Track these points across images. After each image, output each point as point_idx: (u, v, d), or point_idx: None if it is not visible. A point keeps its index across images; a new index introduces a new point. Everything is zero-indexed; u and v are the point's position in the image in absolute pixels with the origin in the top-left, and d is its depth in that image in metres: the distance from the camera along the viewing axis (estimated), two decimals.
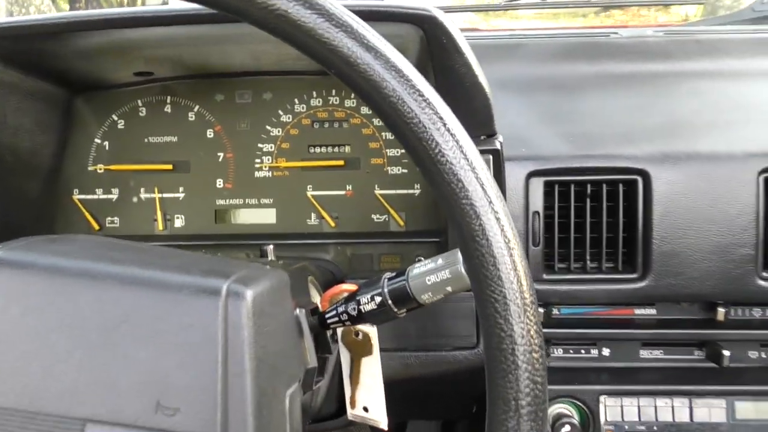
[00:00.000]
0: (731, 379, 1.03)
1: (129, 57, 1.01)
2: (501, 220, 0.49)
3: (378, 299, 0.70)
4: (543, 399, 0.49)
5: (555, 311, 1.07)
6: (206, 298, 0.56)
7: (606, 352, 1.07)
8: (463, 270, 0.66)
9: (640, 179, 1.00)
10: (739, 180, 0.99)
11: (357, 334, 0.85)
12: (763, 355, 1.05)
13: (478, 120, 0.86)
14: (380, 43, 0.50)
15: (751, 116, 1.07)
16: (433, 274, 0.68)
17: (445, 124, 0.50)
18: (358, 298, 0.72)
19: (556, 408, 1.04)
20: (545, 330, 1.05)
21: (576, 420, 1.02)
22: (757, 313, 1.05)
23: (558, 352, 1.07)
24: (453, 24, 0.81)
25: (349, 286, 0.79)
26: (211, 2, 0.52)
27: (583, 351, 1.07)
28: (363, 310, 0.72)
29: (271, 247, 0.87)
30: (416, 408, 1.27)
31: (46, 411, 0.54)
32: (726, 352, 1.01)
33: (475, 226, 0.48)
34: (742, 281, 1.00)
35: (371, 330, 0.84)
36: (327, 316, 0.75)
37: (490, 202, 0.49)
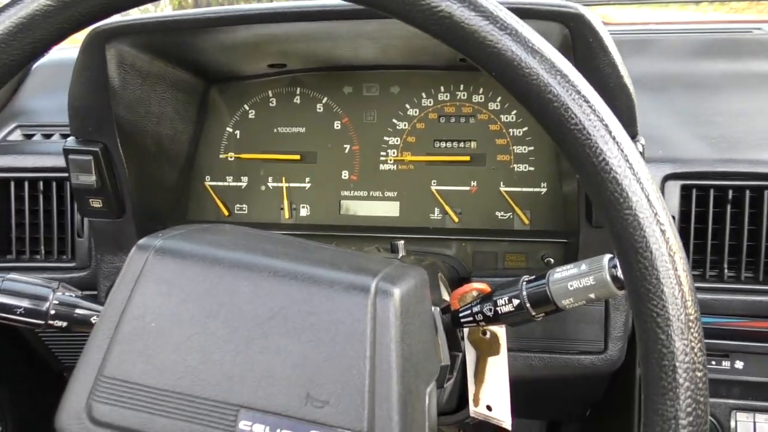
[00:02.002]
0: None
1: (267, 50, 1.04)
2: (666, 233, 0.47)
3: (516, 302, 0.70)
4: (705, 420, 0.47)
5: None
6: (356, 295, 0.57)
7: (739, 365, 1.02)
8: (608, 277, 0.64)
9: None
10: None
11: (484, 333, 0.85)
12: None
13: (621, 121, 0.84)
14: (544, 46, 0.49)
15: None
16: (576, 279, 0.66)
17: (610, 132, 0.48)
18: (494, 299, 0.71)
19: None
20: None
21: None
22: None
23: None
24: (599, 22, 0.79)
25: (479, 285, 0.79)
26: (372, 2, 0.52)
27: (713, 362, 1.03)
28: (500, 312, 0.71)
29: (402, 242, 0.88)
30: (528, 407, 1.26)
31: (204, 395, 0.56)
32: None
33: (638, 238, 0.47)
34: None
35: (500, 330, 0.84)
36: (461, 315, 0.75)
37: (656, 214, 0.47)
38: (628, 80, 0.82)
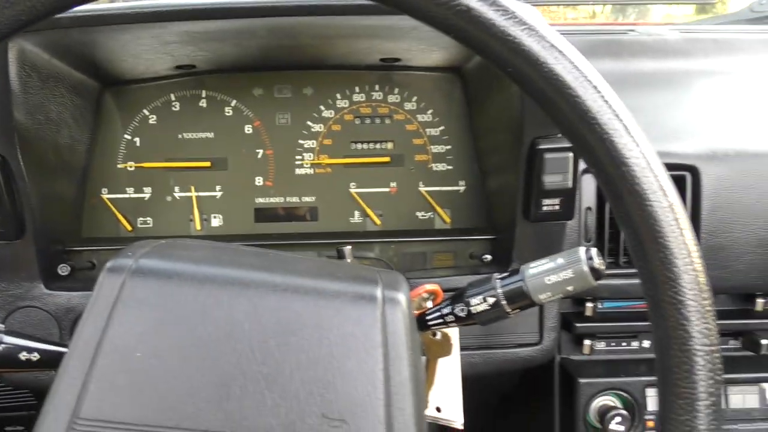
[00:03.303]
0: (765, 367, 1.07)
1: (180, 50, 0.96)
2: (680, 223, 0.49)
3: (491, 300, 0.70)
4: (719, 398, 0.50)
5: (599, 305, 1.08)
6: (365, 306, 0.54)
7: (647, 344, 1.09)
8: (587, 269, 0.66)
9: (688, 175, 1.02)
10: None
11: (434, 334, 0.84)
12: None
13: None
14: (563, 44, 0.50)
15: None
16: (553, 273, 0.67)
17: (625, 127, 0.50)
18: (467, 299, 0.71)
19: (602, 400, 1.06)
20: (589, 324, 1.07)
21: (624, 411, 1.04)
22: None
23: (601, 345, 1.09)
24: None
25: (431, 287, 0.78)
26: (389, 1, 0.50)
27: (624, 343, 1.09)
28: (473, 311, 0.71)
29: (350, 248, 0.85)
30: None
31: (210, 428, 0.50)
32: (764, 341, 1.05)
33: (657, 228, 0.49)
34: None
35: (453, 331, 0.83)
36: (428, 317, 0.74)
37: (671, 205, 0.49)
38: None
